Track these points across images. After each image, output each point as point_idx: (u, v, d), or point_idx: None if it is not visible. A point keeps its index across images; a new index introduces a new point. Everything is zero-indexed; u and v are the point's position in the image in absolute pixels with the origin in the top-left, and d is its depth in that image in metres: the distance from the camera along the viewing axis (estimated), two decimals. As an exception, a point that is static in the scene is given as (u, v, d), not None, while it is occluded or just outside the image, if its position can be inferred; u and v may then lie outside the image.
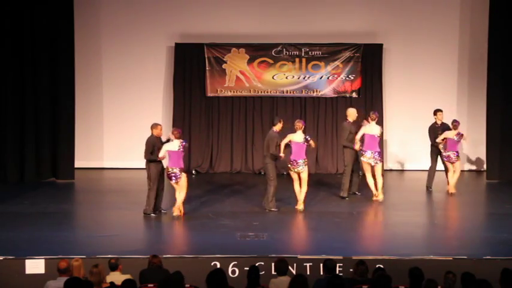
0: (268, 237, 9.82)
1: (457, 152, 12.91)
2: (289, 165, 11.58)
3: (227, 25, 15.63)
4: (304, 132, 11.60)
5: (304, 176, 11.53)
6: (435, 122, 13.33)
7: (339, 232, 10.51)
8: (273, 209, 11.41)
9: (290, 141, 11.45)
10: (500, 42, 14.50)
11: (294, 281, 6.42)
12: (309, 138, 11.50)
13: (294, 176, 11.56)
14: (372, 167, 12.27)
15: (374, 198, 12.30)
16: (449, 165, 12.92)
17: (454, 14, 15.63)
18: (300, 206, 11.55)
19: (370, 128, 12.30)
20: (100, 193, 13.60)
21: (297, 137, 11.46)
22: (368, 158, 12.25)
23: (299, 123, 11.60)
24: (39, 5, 14.18)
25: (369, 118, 12.41)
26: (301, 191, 11.56)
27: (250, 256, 8.67)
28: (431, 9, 15.64)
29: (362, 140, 12.32)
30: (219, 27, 15.61)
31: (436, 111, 13.39)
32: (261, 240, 9.71)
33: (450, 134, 12.83)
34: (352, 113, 12.76)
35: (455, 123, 12.87)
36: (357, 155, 12.56)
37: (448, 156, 12.87)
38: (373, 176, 12.30)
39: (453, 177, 12.89)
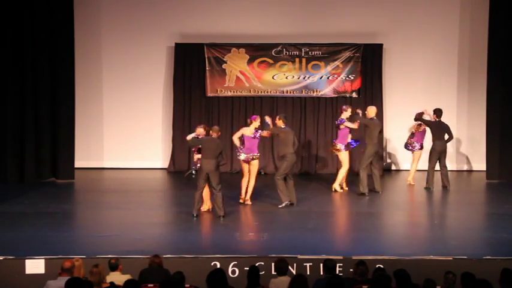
0: (268, 237, 9.82)
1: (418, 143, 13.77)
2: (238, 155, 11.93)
3: (227, 25, 15.63)
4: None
5: (254, 170, 11.86)
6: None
7: (339, 232, 10.52)
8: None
9: (243, 135, 11.88)
10: (500, 42, 14.49)
11: (294, 281, 6.42)
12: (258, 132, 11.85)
13: (245, 169, 11.88)
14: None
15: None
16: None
17: (454, 14, 15.63)
18: (248, 200, 11.91)
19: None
20: (100, 193, 13.60)
21: (248, 131, 11.85)
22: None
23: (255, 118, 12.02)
24: (39, 5, 14.17)
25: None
26: (249, 185, 11.85)
27: (250, 256, 8.66)
28: (431, 9, 15.65)
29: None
30: (219, 27, 15.62)
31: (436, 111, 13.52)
32: (261, 240, 9.71)
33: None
34: (373, 111, 13.01)
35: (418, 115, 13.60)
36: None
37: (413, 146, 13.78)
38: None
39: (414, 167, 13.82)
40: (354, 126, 12.78)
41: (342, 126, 12.76)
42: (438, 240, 9.80)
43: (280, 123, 11.82)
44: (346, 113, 12.80)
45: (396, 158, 15.94)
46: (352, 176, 13.62)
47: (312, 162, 15.81)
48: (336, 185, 12.97)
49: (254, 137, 11.79)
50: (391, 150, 15.95)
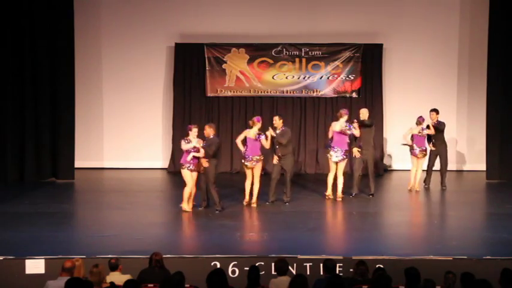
0: (268, 237, 9.82)
1: (423, 148, 13.17)
2: (243, 161, 11.85)
3: (227, 25, 15.63)
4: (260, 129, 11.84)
5: (257, 172, 11.80)
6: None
7: (339, 232, 10.51)
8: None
9: (245, 137, 11.82)
10: (500, 42, 14.50)
11: (294, 281, 6.42)
12: (261, 136, 11.73)
13: (248, 172, 11.83)
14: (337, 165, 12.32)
15: (328, 196, 12.36)
16: (414, 161, 13.17)
17: (454, 14, 15.64)
18: (254, 203, 11.81)
19: (336, 125, 12.26)
20: (100, 193, 13.61)
21: (251, 133, 11.73)
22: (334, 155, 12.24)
23: (254, 119, 11.86)
24: (38, 5, 14.17)
25: (338, 115, 12.40)
26: (253, 187, 11.79)
27: (250, 256, 8.67)
28: (431, 9, 15.65)
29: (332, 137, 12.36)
30: (219, 27, 15.62)
31: (429, 112, 13.36)
32: (261, 240, 9.71)
33: (415, 130, 13.13)
34: (365, 113, 12.75)
35: (420, 119, 13.13)
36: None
37: (415, 152, 13.16)
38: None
39: (417, 174, 13.19)
40: (357, 133, 12.29)
41: (348, 132, 12.15)
42: (438, 240, 9.80)
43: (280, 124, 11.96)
44: (346, 117, 12.25)
45: (395, 158, 15.92)
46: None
47: (311, 162, 15.81)
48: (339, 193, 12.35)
49: (256, 140, 11.75)
50: (391, 150, 15.95)
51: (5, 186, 13.80)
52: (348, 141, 12.28)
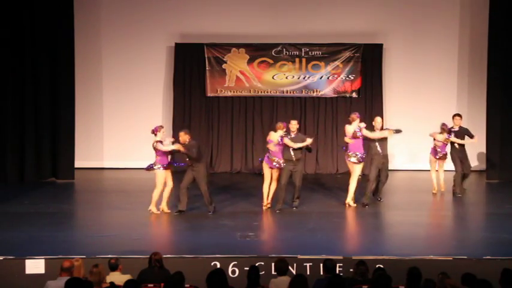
0: (268, 237, 9.82)
1: (443, 152, 12.96)
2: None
3: (227, 25, 15.64)
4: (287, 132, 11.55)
5: (276, 175, 11.57)
6: (452, 127, 13.09)
7: (339, 232, 10.51)
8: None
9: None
10: (500, 42, 14.50)
11: (294, 281, 6.42)
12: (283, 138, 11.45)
13: (268, 175, 11.54)
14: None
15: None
16: (433, 162, 13.01)
17: (454, 14, 15.65)
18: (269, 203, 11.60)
19: (349, 128, 11.95)
20: (100, 193, 13.61)
21: (275, 137, 11.46)
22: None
23: (280, 124, 11.54)
24: (39, 5, 14.19)
25: (350, 119, 12.01)
26: (271, 188, 11.57)
27: (250, 256, 8.67)
28: (431, 9, 15.66)
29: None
30: (219, 27, 15.62)
31: (453, 116, 13.19)
32: (261, 240, 9.71)
33: (439, 137, 12.82)
34: (379, 121, 12.25)
35: (444, 126, 12.82)
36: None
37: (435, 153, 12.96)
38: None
39: (440, 175, 13.06)
40: (370, 134, 11.86)
41: (359, 135, 11.76)
42: (438, 240, 9.81)
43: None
44: (357, 122, 11.81)
45: (396, 158, 15.91)
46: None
47: (311, 163, 15.80)
48: (349, 200, 11.92)
49: (279, 143, 11.43)
50: (390, 150, 15.91)
51: (5, 186, 13.81)
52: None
